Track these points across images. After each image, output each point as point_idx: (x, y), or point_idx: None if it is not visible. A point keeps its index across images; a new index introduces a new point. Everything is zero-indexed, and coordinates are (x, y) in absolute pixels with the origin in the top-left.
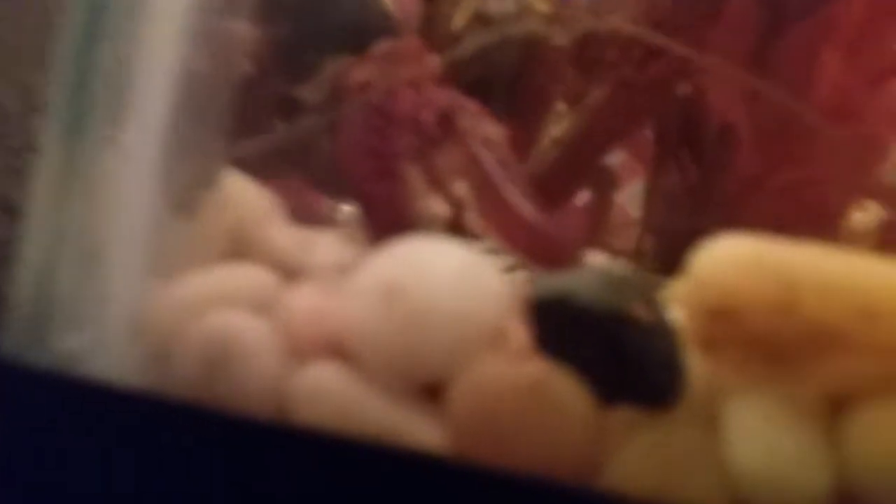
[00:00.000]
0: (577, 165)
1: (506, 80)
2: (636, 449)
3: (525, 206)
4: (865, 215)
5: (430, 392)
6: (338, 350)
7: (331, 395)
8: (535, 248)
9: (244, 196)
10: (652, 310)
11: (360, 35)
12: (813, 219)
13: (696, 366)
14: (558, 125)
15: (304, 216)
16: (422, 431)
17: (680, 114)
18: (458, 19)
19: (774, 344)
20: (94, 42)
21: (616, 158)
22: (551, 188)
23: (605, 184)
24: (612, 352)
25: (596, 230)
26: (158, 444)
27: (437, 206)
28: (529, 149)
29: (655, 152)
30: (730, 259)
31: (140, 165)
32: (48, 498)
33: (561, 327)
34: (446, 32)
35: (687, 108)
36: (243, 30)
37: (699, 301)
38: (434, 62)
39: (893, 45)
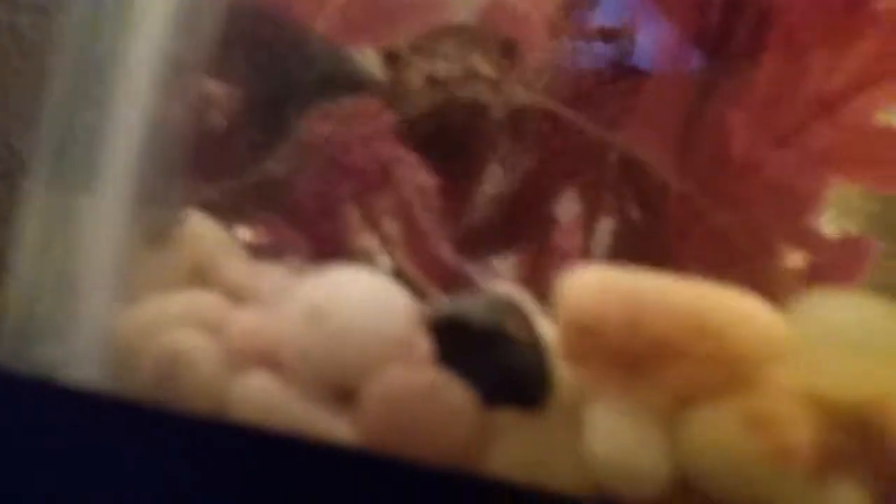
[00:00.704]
0: (517, 217)
1: (452, 136)
2: (513, 442)
3: (441, 244)
4: (798, 258)
5: (346, 396)
6: (271, 361)
7: (264, 399)
8: (445, 278)
9: (205, 233)
10: (528, 328)
11: (332, 90)
12: (741, 261)
13: (565, 374)
14: (492, 184)
15: (279, 250)
16: (338, 428)
17: (614, 169)
18: (414, 81)
19: (625, 356)
20: (78, 106)
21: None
22: (493, 236)
23: (547, 230)
24: (493, 362)
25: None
26: (122, 439)
27: (371, 243)
28: (465, 199)
29: (589, 203)
30: (588, 285)
31: (111, 207)
32: (31, 490)
33: (454, 342)
34: (405, 91)
35: (622, 164)
36: (215, 87)
37: (565, 320)
38: (388, 118)
39: (798, 107)
